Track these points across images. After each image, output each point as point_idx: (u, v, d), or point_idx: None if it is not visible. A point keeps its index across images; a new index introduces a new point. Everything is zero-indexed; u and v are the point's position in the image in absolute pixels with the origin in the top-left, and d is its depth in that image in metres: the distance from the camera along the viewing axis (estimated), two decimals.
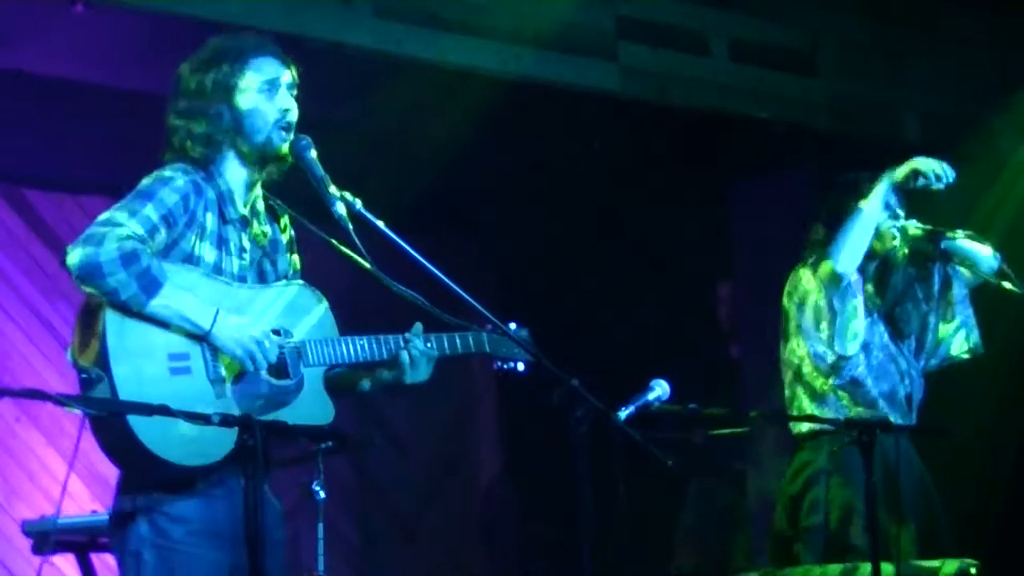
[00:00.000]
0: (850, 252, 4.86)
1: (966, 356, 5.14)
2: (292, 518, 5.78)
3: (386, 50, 5.79)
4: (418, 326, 3.84)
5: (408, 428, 7.98)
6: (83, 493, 6.26)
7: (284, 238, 3.92)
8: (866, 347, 4.94)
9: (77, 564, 5.61)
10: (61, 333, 6.74)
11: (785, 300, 5.05)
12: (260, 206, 3.86)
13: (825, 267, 4.91)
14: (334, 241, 3.79)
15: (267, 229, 3.85)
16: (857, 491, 4.73)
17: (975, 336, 5.11)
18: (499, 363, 4.01)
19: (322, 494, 5.41)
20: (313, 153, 3.76)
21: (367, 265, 3.74)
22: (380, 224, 3.70)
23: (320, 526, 5.42)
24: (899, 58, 7.17)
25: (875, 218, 4.90)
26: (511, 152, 6.98)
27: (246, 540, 3.33)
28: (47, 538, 5.39)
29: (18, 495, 6.65)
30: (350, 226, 3.68)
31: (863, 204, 4.89)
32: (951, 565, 4.61)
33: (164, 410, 3.31)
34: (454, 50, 5.95)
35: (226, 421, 3.35)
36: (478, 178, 7.12)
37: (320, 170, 3.74)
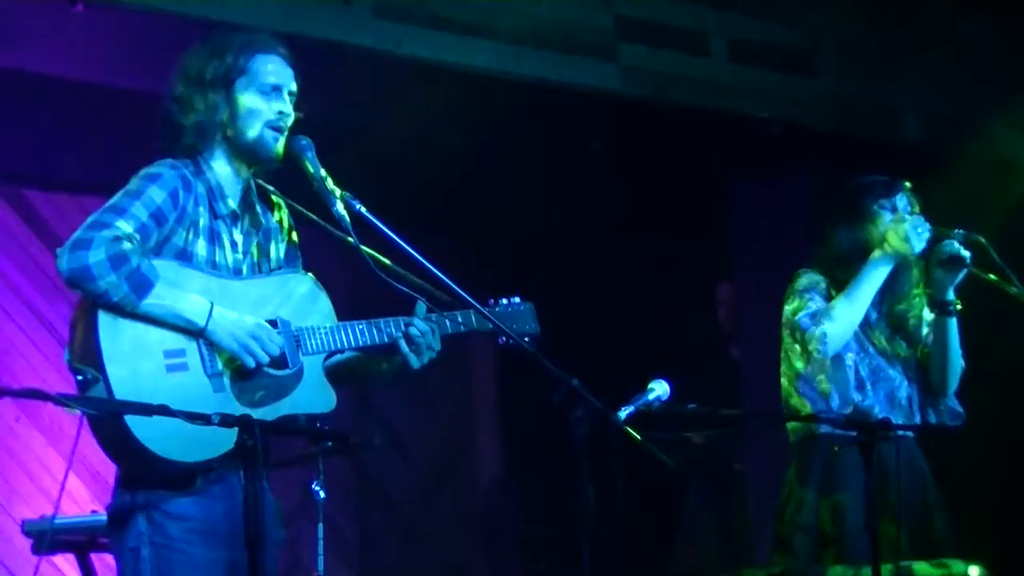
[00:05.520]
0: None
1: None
2: (292, 518, 5.79)
3: (386, 50, 5.79)
4: (421, 307, 3.84)
5: (408, 428, 7.98)
6: (83, 493, 6.27)
7: (280, 225, 3.92)
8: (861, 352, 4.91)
9: (77, 564, 5.61)
10: (61, 333, 6.74)
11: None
12: (253, 196, 3.85)
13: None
14: (331, 228, 3.77)
15: (261, 219, 3.85)
16: (850, 489, 4.73)
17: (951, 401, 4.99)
18: (504, 338, 3.96)
19: (322, 494, 5.41)
20: (313, 153, 3.77)
21: (361, 249, 3.72)
22: (380, 224, 3.70)
23: (320, 526, 5.42)
24: (899, 58, 7.16)
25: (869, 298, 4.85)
26: (511, 152, 6.98)
27: (245, 539, 3.33)
28: (47, 538, 5.39)
29: (18, 495, 6.65)
30: (350, 226, 3.68)
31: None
32: (950, 568, 4.61)
33: (164, 410, 3.30)
34: (454, 50, 5.94)
35: (225, 421, 3.35)
36: (477, 178, 7.11)
37: (320, 170, 3.75)
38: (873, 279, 4.82)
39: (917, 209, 4.95)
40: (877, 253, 4.82)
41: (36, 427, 6.74)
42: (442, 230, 6.94)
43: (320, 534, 5.42)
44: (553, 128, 6.76)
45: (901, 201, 4.92)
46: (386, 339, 3.82)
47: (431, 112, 6.31)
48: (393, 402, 7.81)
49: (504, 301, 4.04)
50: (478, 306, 3.78)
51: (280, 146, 3.76)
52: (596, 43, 6.35)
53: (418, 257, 3.67)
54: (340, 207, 3.69)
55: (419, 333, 3.81)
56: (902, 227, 4.79)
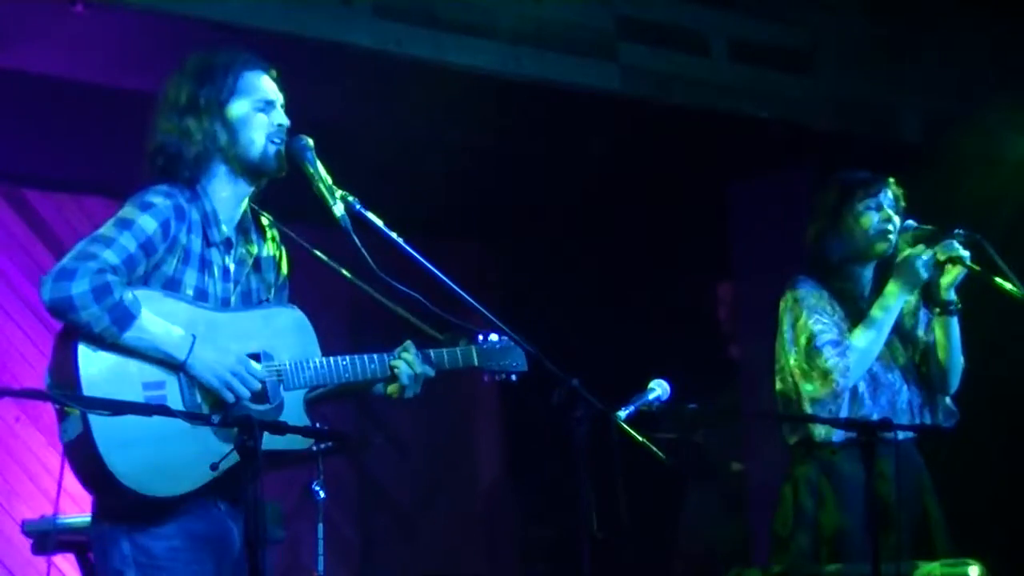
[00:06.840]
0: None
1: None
2: (292, 518, 5.77)
3: (386, 50, 5.79)
4: (409, 343, 3.85)
5: (408, 428, 7.98)
6: (83, 493, 6.26)
7: (273, 254, 3.91)
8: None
9: (77, 564, 5.61)
10: None
11: None
12: (248, 223, 3.85)
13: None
14: (320, 254, 3.80)
15: (254, 247, 3.84)
16: (849, 490, 4.73)
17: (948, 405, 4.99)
18: (489, 375, 4.00)
19: (322, 494, 5.41)
20: (312, 153, 3.77)
21: (349, 275, 3.74)
22: (380, 224, 3.70)
23: (320, 526, 5.42)
24: (899, 58, 7.17)
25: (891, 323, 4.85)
26: (511, 152, 6.98)
27: (245, 541, 3.33)
28: (47, 538, 5.39)
29: (18, 495, 6.65)
30: (350, 226, 3.68)
31: (876, 312, 4.81)
32: (948, 567, 4.61)
33: (164, 410, 3.31)
34: (454, 50, 5.94)
35: (225, 421, 3.35)
36: (477, 178, 7.12)
37: (320, 170, 3.75)
38: (893, 313, 4.83)
39: (902, 204, 4.96)
40: (892, 288, 4.82)
41: (36, 427, 6.74)
42: (442, 230, 6.94)
43: (320, 534, 5.41)
44: (553, 128, 6.76)
45: (885, 198, 4.92)
46: (369, 375, 3.83)
47: (431, 112, 6.31)
48: (393, 402, 7.79)
49: (493, 338, 4.02)
50: (478, 305, 3.77)
51: (284, 158, 3.77)
52: (596, 43, 6.35)
53: (418, 257, 3.67)
54: (340, 207, 3.69)
55: (413, 374, 3.84)
56: (910, 262, 4.79)
